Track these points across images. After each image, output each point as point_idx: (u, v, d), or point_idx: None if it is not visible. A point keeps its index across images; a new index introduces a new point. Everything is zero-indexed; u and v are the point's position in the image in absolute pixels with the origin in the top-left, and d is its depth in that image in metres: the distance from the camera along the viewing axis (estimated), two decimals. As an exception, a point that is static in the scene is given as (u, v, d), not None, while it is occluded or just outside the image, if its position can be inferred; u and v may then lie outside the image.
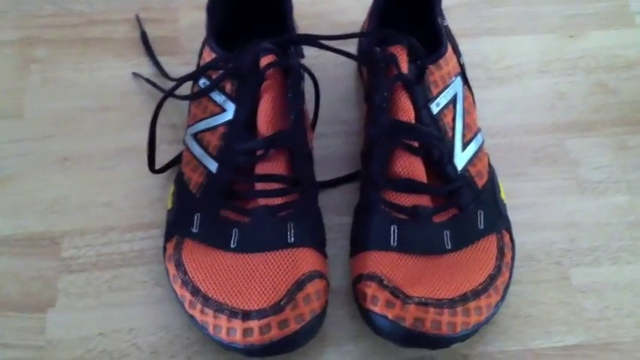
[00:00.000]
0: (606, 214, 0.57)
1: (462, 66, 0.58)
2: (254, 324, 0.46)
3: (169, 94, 0.54)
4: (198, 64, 0.59)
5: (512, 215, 0.55)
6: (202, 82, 0.54)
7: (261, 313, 0.46)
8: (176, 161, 0.58)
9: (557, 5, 0.69)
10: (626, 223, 0.57)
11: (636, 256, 0.55)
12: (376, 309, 0.47)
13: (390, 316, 0.47)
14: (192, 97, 0.55)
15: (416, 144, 0.51)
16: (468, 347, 0.51)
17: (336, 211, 0.57)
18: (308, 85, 0.57)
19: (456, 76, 0.55)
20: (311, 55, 0.61)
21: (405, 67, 0.52)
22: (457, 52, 0.58)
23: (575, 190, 0.58)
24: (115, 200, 0.57)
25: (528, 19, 0.68)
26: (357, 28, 0.65)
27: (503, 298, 0.50)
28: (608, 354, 0.51)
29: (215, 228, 0.51)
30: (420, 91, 0.52)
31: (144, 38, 0.66)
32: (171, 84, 0.56)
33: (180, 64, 0.64)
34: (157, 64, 0.64)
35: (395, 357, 0.51)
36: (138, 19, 0.67)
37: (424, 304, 0.46)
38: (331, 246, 0.54)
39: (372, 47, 0.53)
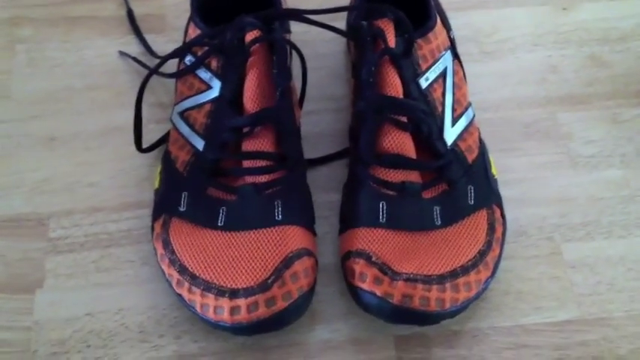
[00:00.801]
0: (599, 188, 0.57)
1: (451, 40, 0.57)
2: (241, 302, 0.45)
3: (154, 71, 0.54)
4: (184, 41, 0.58)
5: (504, 190, 0.54)
6: (188, 59, 0.54)
7: (248, 292, 0.46)
8: (163, 140, 0.57)
9: (550, -23, 0.68)
10: (618, 198, 0.56)
11: (629, 230, 0.55)
12: (364, 285, 0.47)
13: (378, 293, 0.46)
14: (177, 75, 0.54)
15: (404, 119, 0.51)
16: (459, 323, 0.51)
17: (326, 189, 0.56)
18: (296, 62, 0.56)
19: (445, 50, 0.54)
20: (300, 31, 0.61)
21: (392, 41, 0.51)
22: (447, 26, 0.57)
23: (568, 165, 0.58)
24: (102, 180, 0.57)
25: (520, -9, 0.67)
26: (345, 3, 0.64)
27: (493, 273, 0.50)
28: (600, 329, 0.51)
29: (202, 206, 0.50)
30: (407, 65, 0.51)
31: (130, 16, 0.65)
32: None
33: (167, 42, 0.64)
34: (143, 42, 0.63)
35: (385, 334, 0.50)
36: (124, -3, 0.66)
37: (412, 280, 0.46)
38: (321, 224, 0.54)
39: (358, 21, 0.52)
